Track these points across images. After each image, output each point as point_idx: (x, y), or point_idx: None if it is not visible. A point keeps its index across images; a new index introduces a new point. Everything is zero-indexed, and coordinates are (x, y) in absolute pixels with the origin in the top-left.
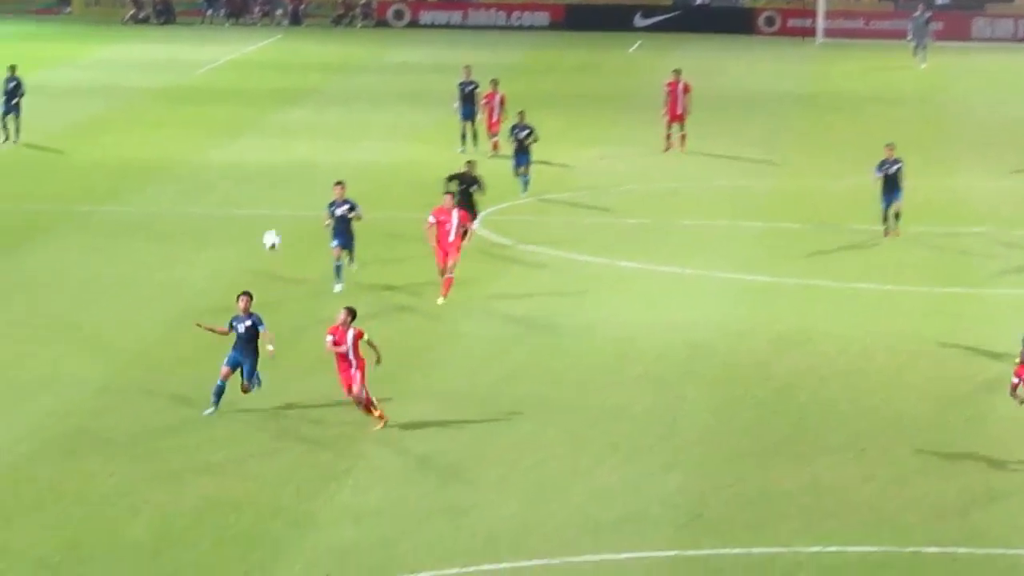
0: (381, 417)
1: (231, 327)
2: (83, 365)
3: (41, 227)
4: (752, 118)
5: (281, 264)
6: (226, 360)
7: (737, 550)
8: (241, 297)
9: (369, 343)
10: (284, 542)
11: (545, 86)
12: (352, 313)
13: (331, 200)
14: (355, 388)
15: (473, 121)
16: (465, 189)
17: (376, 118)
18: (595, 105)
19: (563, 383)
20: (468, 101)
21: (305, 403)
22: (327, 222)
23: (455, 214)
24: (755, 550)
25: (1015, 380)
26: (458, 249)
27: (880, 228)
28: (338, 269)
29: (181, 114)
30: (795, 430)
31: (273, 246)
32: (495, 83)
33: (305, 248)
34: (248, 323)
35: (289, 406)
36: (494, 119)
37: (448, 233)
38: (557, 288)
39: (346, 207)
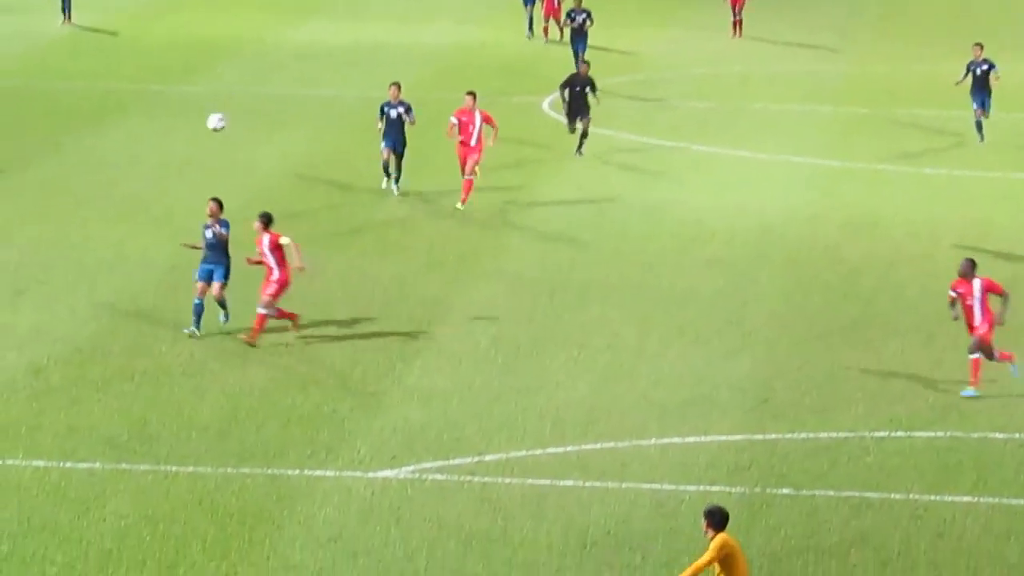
0: (292, 317)
1: (202, 236)
2: (152, 246)
3: (113, 107)
4: (823, 2)
5: (350, 145)
6: (197, 274)
7: (804, 434)
8: (210, 203)
9: (288, 246)
10: (350, 423)
11: None
12: (264, 219)
13: (386, 100)
14: (264, 296)
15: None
16: (579, 91)
17: (446, 1)
18: None
19: (632, 265)
20: None
21: (373, 288)
22: (379, 125)
23: (478, 115)
24: (822, 434)
25: (951, 294)
26: (480, 151)
27: (969, 116)
28: (386, 167)
29: None
30: (863, 314)
31: (216, 129)
32: None
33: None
34: (216, 229)
35: (357, 291)
36: (554, 4)
37: (471, 135)
38: (626, 171)
39: (401, 109)
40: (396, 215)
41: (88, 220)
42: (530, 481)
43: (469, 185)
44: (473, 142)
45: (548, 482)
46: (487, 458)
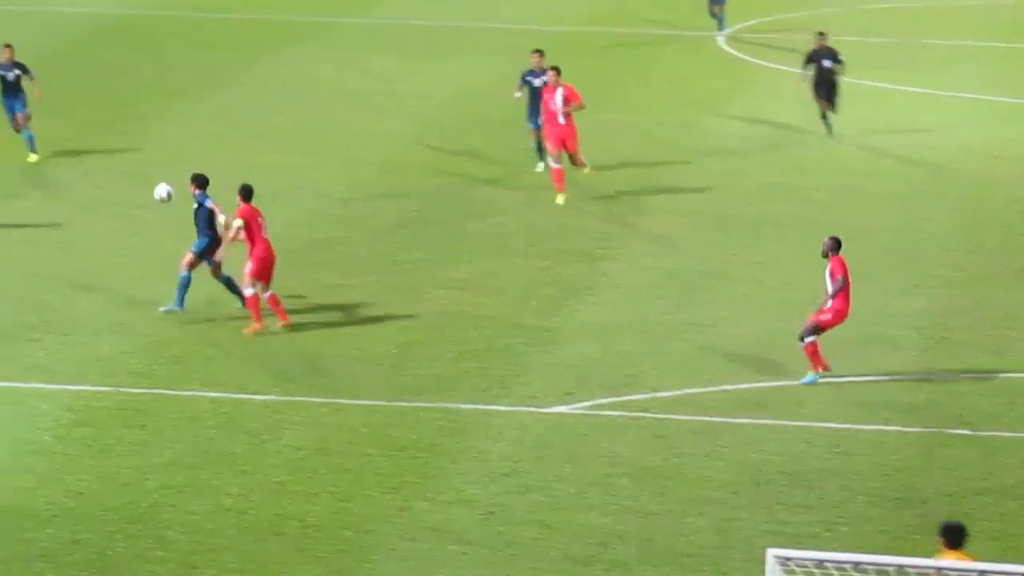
0: (256, 321)
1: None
2: (324, 177)
3: (288, 38)
4: None
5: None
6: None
7: (980, 374)
8: (191, 184)
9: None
10: (524, 358)
11: None
12: (243, 192)
13: (528, 69)
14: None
15: None
16: (819, 66)
17: None
18: None
19: (807, 202)
20: None
21: (544, 224)
22: (517, 94)
23: (559, 92)
24: (999, 375)
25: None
26: (573, 130)
27: None
28: (539, 146)
29: None
30: None
31: (163, 199)
32: None
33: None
34: (196, 205)
35: (531, 226)
36: None
37: (554, 114)
38: (803, 107)
39: (546, 78)
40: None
41: (262, 150)
42: (704, 418)
43: (579, 162)
44: (561, 120)
45: (722, 419)
46: (661, 394)
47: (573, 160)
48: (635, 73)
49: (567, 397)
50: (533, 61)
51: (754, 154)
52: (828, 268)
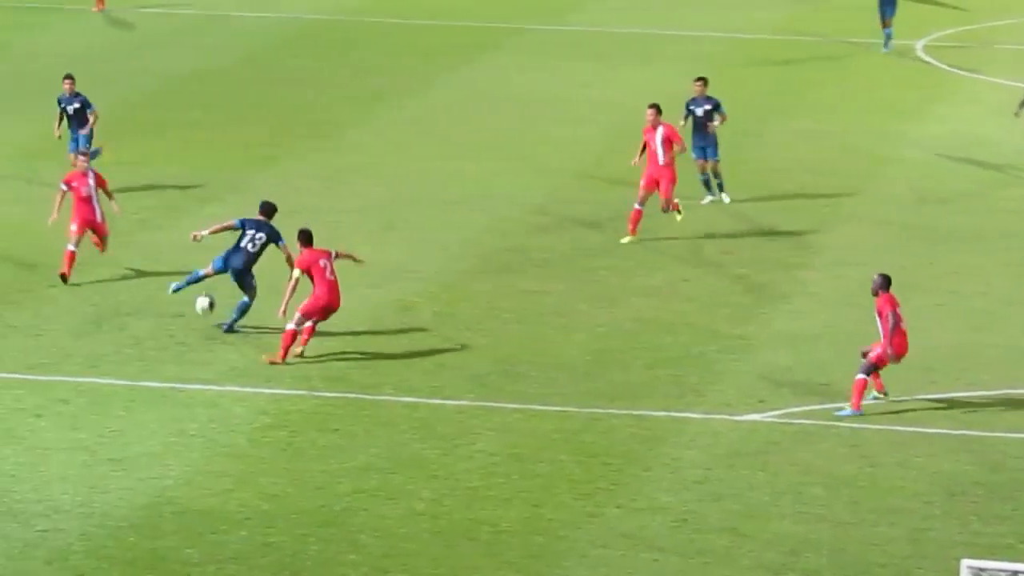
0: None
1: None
2: (518, 183)
3: (483, 44)
4: None
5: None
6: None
7: None
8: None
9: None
10: (717, 365)
11: None
12: (303, 237)
13: (692, 97)
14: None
15: None
16: None
17: None
18: None
19: (1002, 212)
20: None
21: (739, 231)
22: (681, 122)
23: (660, 131)
24: None
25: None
26: (672, 173)
27: None
28: (706, 181)
29: None
30: None
31: (204, 310)
32: None
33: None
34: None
35: (725, 234)
36: None
37: (656, 154)
38: (997, 116)
39: (708, 106)
40: (762, 155)
41: (455, 156)
42: (898, 428)
43: (675, 206)
44: (661, 160)
45: (916, 429)
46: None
47: (666, 205)
48: (830, 81)
49: (760, 405)
50: (696, 89)
51: (948, 163)
52: (876, 306)
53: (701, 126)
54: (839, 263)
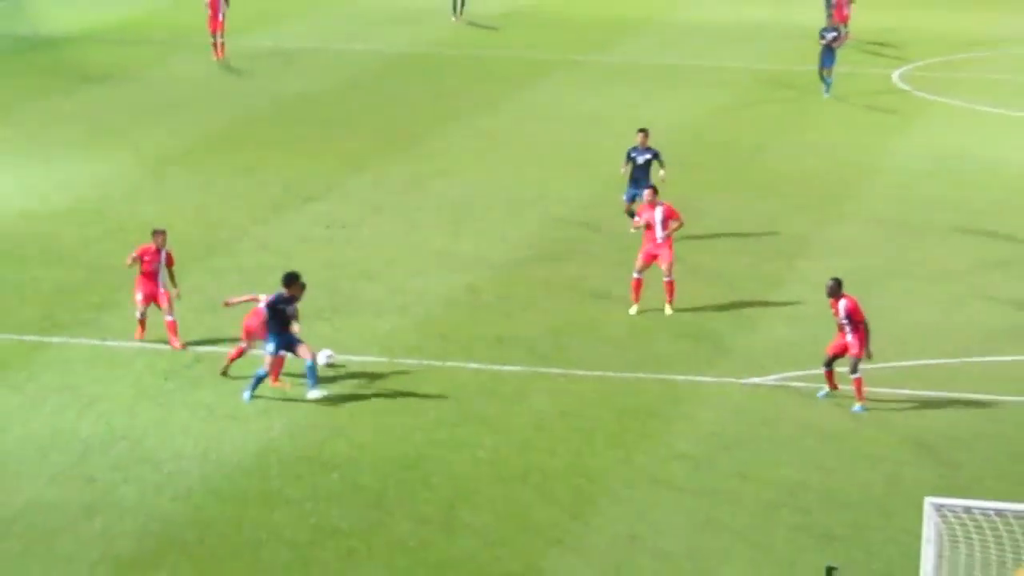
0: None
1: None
2: (569, 185)
3: (541, 71)
4: None
5: (734, 108)
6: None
7: None
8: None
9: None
10: (728, 339)
11: None
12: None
13: (633, 146)
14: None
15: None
16: None
17: None
18: None
19: (968, 212)
20: None
21: (749, 227)
22: (622, 169)
23: (659, 209)
24: None
25: None
26: (670, 248)
27: None
28: (630, 214)
29: None
30: None
31: (327, 364)
32: None
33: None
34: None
35: (739, 228)
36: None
37: (655, 231)
38: (967, 134)
39: (648, 155)
40: (770, 164)
41: (518, 163)
42: (876, 389)
43: (671, 286)
44: (659, 239)
45: (891, 390)
46: (841, 370)
47: (667, 283)
48: (826, 105)
49: (762, 371)
50: (638, 140)
51: (922, 172)
52: (846, 307)
53: (641, 173)
54: (831, 254)
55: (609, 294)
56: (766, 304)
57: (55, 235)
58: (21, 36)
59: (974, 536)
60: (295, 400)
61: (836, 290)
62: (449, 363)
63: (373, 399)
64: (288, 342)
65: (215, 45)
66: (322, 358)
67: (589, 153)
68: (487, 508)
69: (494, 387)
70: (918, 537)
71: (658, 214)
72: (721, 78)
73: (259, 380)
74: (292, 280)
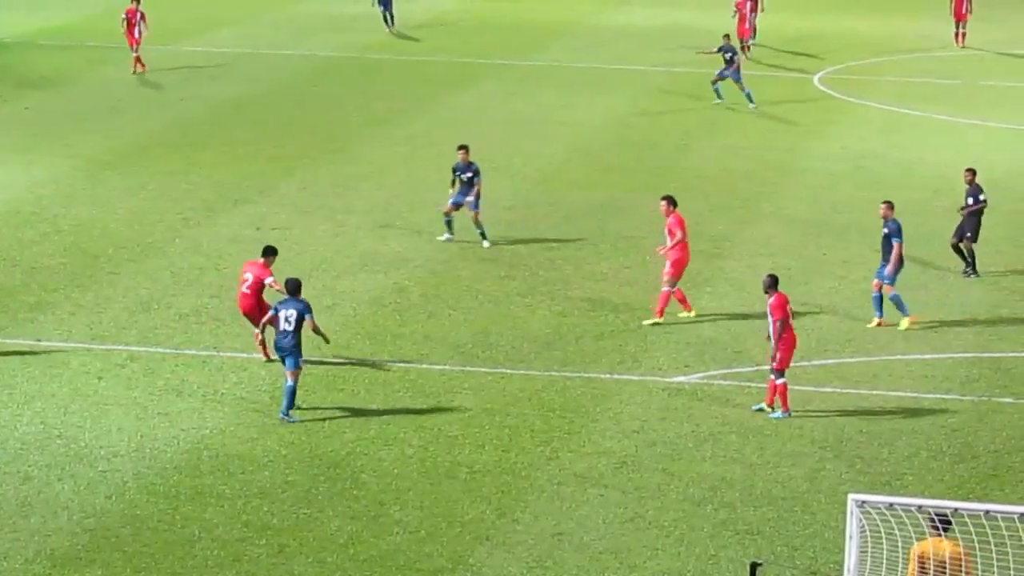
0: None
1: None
2: (495, 188)
3: (468, 76)
4: None
5: (656, 109)
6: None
7: (1023, 353)
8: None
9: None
10: (652, 337)
11: None
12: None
13: (456, 163)
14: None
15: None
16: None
17: None
18: None
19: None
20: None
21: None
22: (451, 189)
23: (668, 220)
24: None
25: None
26: (669, 261)
27: None
28: (448, 223)
29: None
30: None
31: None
32: None
33: (676, 100)
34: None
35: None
36: (745, 25)
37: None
38: (882, 135)
39: (470, 172)
40: (692, 165)
41: (444, 167)
42: (799, 388)
43: (664, 298)
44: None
45: (813, 388)
46: (764, 367)
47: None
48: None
49: (686, 369)
50: (460, 156)
51: (841, 173)
52: (770, 305)
53: (466, 188)
54: (753, 254)
55: (533, 293)
56: (690, 302)
57: None
58: None
59: (896, 532)
60: (225, 398)
61: (769, 286)
62: (377, 362)
63: (302, 398)
64: (287, 352)
65: (135, 60)
66: None
67: (513, 155)
68: (416, 504)
69: (422, 385)
70: (840, 533)
71: (667, 224)
72: (645, 81)
73: (291, 394)
74: (297, 287)
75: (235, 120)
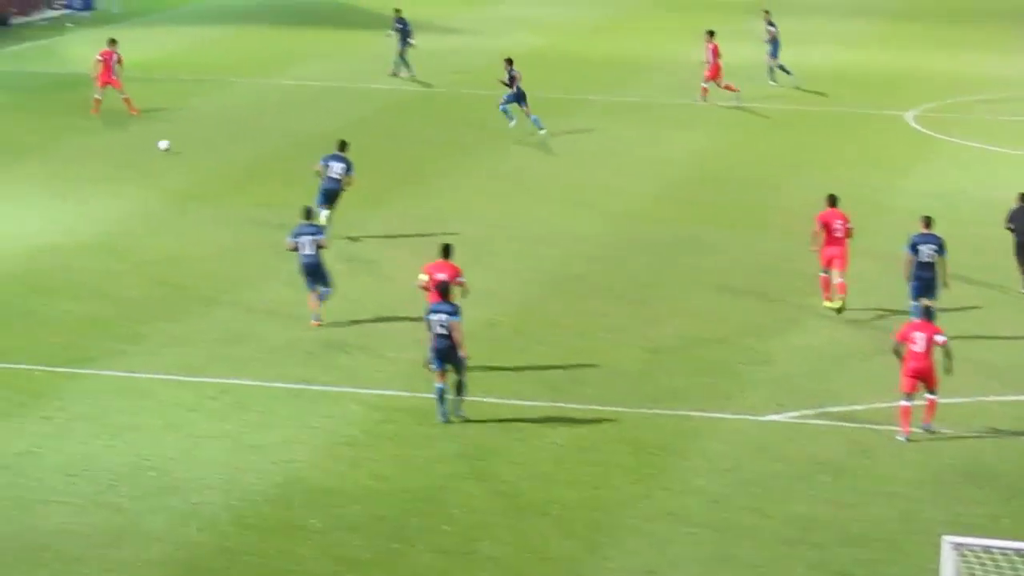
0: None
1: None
2: (582, 223)
3: (553, 111)
4: None
5: (743, 144)
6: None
7: None
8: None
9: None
10: (745, 375)
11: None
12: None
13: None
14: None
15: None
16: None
17: (831, 26)
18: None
19: (966, 249)
20: None
21: (763, 265)
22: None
23: (836, 220)
24: None
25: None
26: (844, 252)
27: None
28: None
29: (669, 20)
30: None
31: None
32: (709, 34)
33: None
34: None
35: (751, 267)
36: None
37: (835, 232)
38: (967, 171)
39: (343, 165)
40: (779, 203)
41: (530, 202)
42: (894, 427)
43: (841, 288)
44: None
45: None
46: (856, 407)
47: (840, 284)
48: (836, 143)
49: (779, 408)
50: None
51: (930, 209)
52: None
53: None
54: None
55: (624, 329)
56: (782, 341)
57: (81, 268)
58: (53, 74)
59: (992, 575)
60: (316, 431)
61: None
62: (470, 398)
63: (394, 432)
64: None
65: (98, 101)
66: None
67: (600, 191)
68: (506, 540)
69: (514, 421)
70: (934, 574)
71: (838, 223)
72: (727, 117)
73: (441, 395)
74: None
75: (322, 153)
